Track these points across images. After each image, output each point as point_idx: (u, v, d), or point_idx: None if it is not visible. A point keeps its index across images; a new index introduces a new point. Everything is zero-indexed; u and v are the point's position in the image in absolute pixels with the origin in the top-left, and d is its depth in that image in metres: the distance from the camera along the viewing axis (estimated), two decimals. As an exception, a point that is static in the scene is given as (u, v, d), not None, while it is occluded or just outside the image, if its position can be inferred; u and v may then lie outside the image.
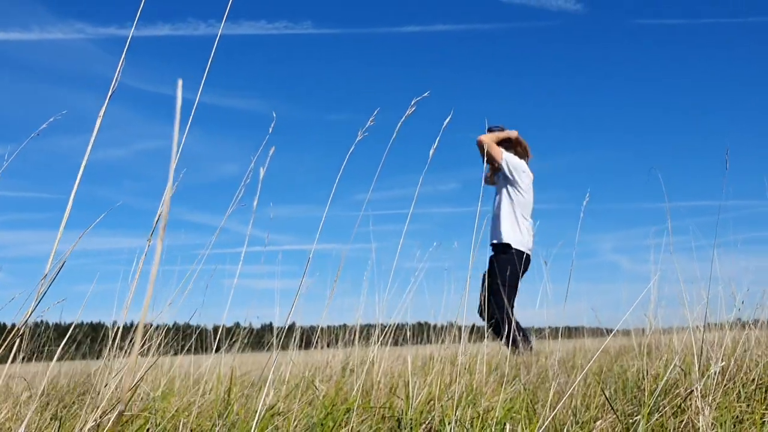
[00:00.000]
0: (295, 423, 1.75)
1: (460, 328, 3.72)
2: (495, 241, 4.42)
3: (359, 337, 3.43)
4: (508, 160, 4.44)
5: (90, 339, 4.29)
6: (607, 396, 2.15)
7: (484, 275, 4.33)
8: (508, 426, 1.72)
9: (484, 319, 4.19)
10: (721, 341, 2.40)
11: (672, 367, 1.87)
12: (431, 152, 1.04)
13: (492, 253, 4.41)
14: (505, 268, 4.05)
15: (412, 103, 1.09)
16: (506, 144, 4.65)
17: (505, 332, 3.51)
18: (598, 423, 1.93)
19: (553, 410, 1.89)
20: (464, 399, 1.88)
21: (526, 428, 1.81)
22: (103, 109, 0.92)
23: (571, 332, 5.59)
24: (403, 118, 1.09)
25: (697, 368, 1.76)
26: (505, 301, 3.89)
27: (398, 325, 4.24)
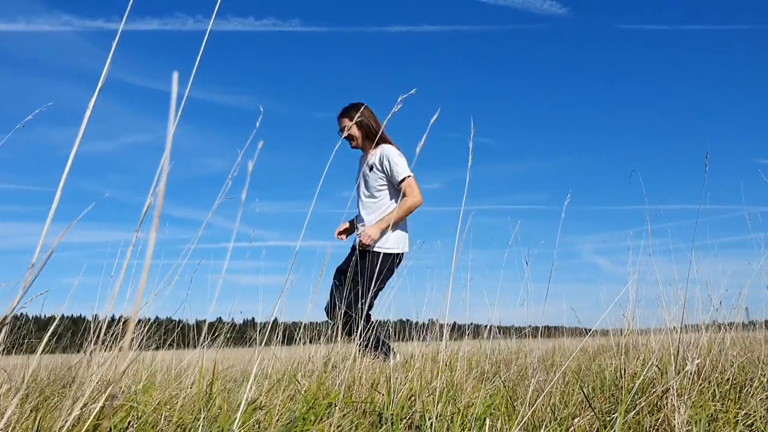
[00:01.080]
0: (277, 417, 1.76)
1: (441, 326, 3.75)
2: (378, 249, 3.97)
3: (342, 334, 3.44)
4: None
5: (71, 332, 4.27)
6: (586, 394, 2.18)
7: (346, 271, 3.87)
8: (487, 422, 1.74)
9: (332, 318, 3.87)
10: (698, 342, 2.46)
11: (649, 366, 1.91)
12: (418, 149, 1.05)
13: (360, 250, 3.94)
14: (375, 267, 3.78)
15: (399, 100, 1.11)
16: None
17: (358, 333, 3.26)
18: (576, 420, 1.97)
19: (532, 407, 1.92)
20: (445, 395, 1.90)
21: (505, 424, 1.84)
22: (92, 102, 0.92)
23: (550, 332, 5.65)
24: (389, 114, 1.10)
25: (673, 367, 1.80)
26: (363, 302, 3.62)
27: (380, 321, 4.27)
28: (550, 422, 1.90)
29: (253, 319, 4.55)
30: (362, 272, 3.82)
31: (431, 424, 1.81)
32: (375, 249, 3.85)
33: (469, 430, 1.80)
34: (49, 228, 1.12)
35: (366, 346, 3.48)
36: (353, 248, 4.03)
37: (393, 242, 3.90)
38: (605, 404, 2.13)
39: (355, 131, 3.96)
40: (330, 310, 3.96)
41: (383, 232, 3.79)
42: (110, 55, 0.92)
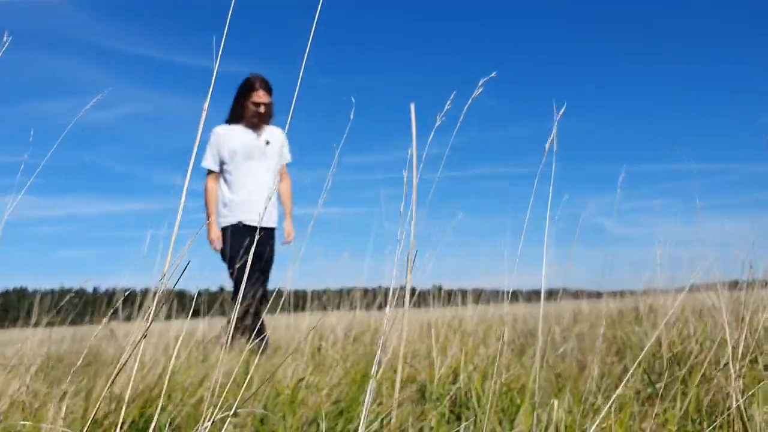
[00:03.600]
0: (326, 394, 1.72)
1: (465, 293, 3.73)
2: (272, 225, 3.98)
3: (362, 302, 3.41)
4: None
5: (75, 306, 4.19)
6: (626, 366, 2.16)
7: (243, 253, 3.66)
8: (536, 398, 1.71)
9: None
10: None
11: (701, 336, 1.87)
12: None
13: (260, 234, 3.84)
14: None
15: (480, 84, 1.03)
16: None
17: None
18: (618, 391, 1.94)
19: (578, 382, 1.89)
20: (490, 371, 1.86)
21: (550, 399, 1.81)
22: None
23: (563, 294, 5.64)
24: (470, 99, 1.02)
25: (727, 332, 1.76)
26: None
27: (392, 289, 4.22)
28: (596, 396, 1.88)
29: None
30: (270, 254, 3.89)
31: (486, 400, 1.77)
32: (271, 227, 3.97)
33: (516, 406, 1.76)
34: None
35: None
36: (247, 228, 3.82)
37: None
38: (645, 376, 2.11)
39: (269, 108, 3.91)
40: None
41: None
42: (218, 59, 0.83)
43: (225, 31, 0.82)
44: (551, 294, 4.17)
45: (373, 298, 3.65)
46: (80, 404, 1.97)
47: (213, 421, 0.81)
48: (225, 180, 3.87)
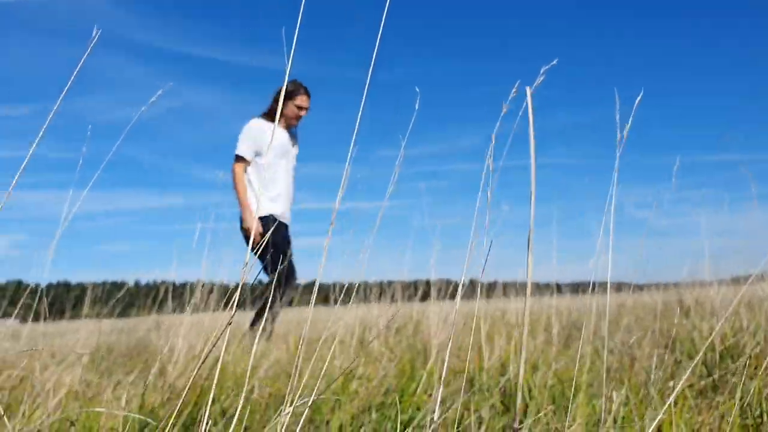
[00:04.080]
0: (375, 384, 1.73)
1: (507, 285, 3.71)
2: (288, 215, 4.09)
3: (403, 294, 3.41)
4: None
5: (122, 298, 4.27)
6: (676, 359, 2.13)
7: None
8: (587, 390, 1.70)
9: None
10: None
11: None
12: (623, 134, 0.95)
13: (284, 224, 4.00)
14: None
15: (542, 72, 1.01)
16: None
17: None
18: (671, 383, 1.92)
19: (629, 375, 1.87)
20: (540, 363, 1.85)
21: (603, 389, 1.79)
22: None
23: (601, 287, 5.55)
24: (533, 88, 1.01)
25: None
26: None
27: (425, 281, 4.22)
28: (649, 387, 1.85)
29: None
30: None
31: (537, 393, 1.76)
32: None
33: (567, 398, 1.75)
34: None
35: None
36: (278, 222, 3.95)
37: None
38: (697, 369, 2.07)
39: (306, 113, 4.11)
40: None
41: None
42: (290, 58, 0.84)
43: (296, 31, 0.82)
44: (595, 287, 4.10)
45: (414, 290, 3.65)
46: (134, 393, 2.02)
47: (293, 407, 0.82)
48: (257, 173, 3.97)
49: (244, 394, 0.89)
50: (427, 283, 4.02)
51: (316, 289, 0.89)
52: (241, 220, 3.89)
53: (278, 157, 4.00)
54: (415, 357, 2.17)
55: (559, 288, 4.08)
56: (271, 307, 3.34)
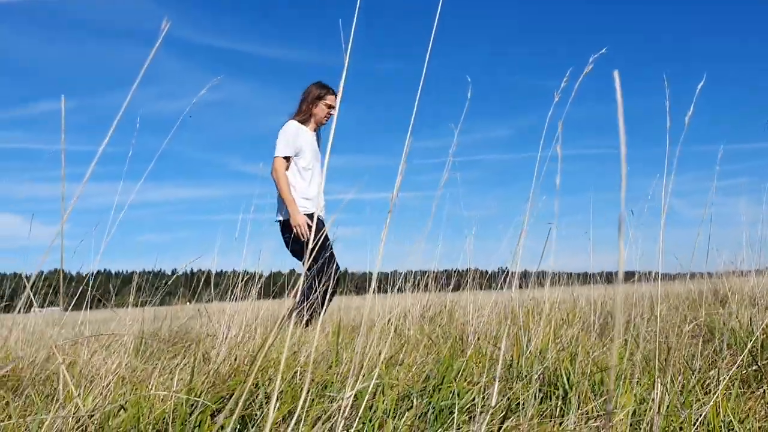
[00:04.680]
0: (415, 371, 1.76)
1: (540, 275, 3.70)
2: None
3: (437, 283, 3.44)
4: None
5: (153, 287, 4.35)
6: (716, 349, 2.12)
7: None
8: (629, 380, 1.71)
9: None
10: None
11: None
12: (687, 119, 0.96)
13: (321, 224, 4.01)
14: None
15: (590, 60, 1.02)
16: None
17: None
18: (711, 373, 1.91)
19: (668, 365, 1.87)
20: (581, 352, 1.86)
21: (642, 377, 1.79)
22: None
23: (632, 277, 5.51)
24: (582, 75, 1.02)
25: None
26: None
27: (457, 271, 4.23)
28: (685, 373, 1.85)
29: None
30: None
31: (569, 380, 1.78)
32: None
33: (605, 388, 1.76)
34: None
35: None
36: (318, 220, 4.01)
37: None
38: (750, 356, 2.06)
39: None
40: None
41: None
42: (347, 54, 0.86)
43: (353, 25, 0.84)
44: (628, 276, 4.09)
45: (447, 280, 3.68)
46: (179, 378, 2.08)
47: (355, 390, 0.85)
48: (296, 174, 4.10)
49: (279, 378, 0.92)
50: (459, 273, 4.04)
51: (375, 276, 0.92)
52: (281, 216, 4.00)
53: (314, 158, 4.17)
54: (453, 345, 2.20)
55: (589, 277, 4.07)
56: (311, 299, 3.41)
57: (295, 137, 4.06)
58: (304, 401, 1.68)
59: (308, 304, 3.34)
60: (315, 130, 4.26)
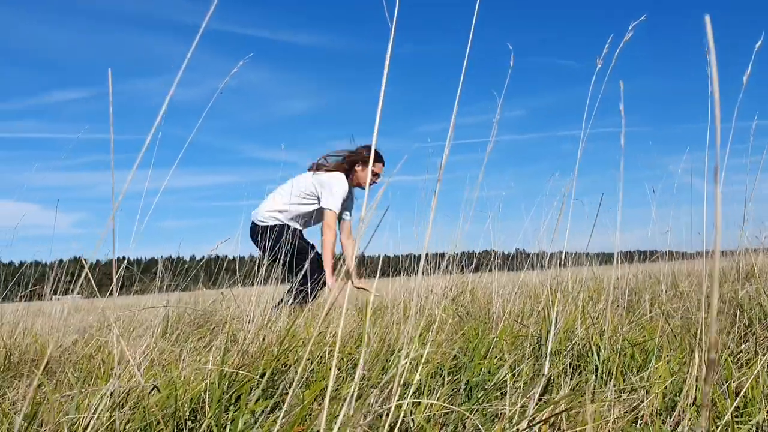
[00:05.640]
0: (444, 348, 1.77)
1: (561, 254, 3.69)
2: None
3: (454, 265, 3.43)
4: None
5: (176, 272, 4.38)
6: (745, 323, 2.11)
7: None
8: (663, 353, 1.70)
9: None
10: None
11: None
12: (745, 78, 0.94)
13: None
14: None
15: (630, 27, 1.01)
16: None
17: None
18: (743, 346, 1.91)
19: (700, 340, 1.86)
20: (609, 328, 1.85)
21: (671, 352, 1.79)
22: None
23: (647, 256, 5.49)
24: (622, 43, 1.00)
25: None
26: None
27: (475, 253, 4.22)
28: (713, 351, 1.84)
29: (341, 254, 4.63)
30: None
31: (599, 355, 1.78)
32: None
33: (637, 362, 1.76)
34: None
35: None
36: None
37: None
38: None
39: None
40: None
41: None
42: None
43: (395, 14, 0.83)
44: (648, 255, 4.07)
45: (467, 261, 3.68)
46: (206, 360, 2.10)
47: (406, 363, 0.85)
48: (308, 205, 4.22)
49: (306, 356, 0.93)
50: (479, 255, 4.04)
51: (424, 258, 0.91)
52: (277, 221, 4.06)
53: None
54: (479, 323, 2.20)
55: (614, 257, 4.04)
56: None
57: (344, 195, 4.15)
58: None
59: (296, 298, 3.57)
60: (352, 187, 4.36)
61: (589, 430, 1.00)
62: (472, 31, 0.93)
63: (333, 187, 4.08)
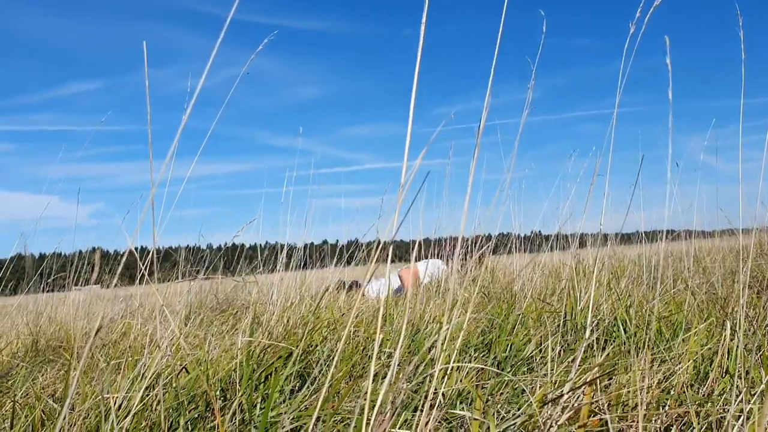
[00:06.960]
0: (470, 325, 1.77)
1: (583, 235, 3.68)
2: None
3: (471, 247, 3.43)
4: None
5: (196, 261, 4.42)
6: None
7: None
8: (693, 324, 1.69)
9: None
10: None
11: None
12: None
13: None
14: None
15: (651, 9, 0.99)
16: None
17: None
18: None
19: (729, 312, 1.85)
20: (636, 303, 1.85)
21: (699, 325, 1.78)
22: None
23: (667, 235, 5.43)
24: (652, 8, 0.99)
25: None
26: None
27: (490, 235, 4.21)
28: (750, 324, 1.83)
29: (357, 240, 4.65)
30: None
31: (625, 329, 1.77)
32: None
33: (664, 336, 1.75)
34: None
35: None
36: None
37: None
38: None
39: None
40: None
41: None
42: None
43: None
44: (668, 234, 4.03)
45: (484, 242, 3.66)
46: (231, 342, 2.12)
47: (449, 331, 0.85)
48: None
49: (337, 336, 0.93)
50: (496, 237, 4.02)
51: (459, 241, 0.91)
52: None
53: None
54: (502, 302, 2.20)
55: (635, 236, 4.02)
56: None
57: None
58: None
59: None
60: None
61: (631, 392, 1.00)
62: (504, 11, 0.92)
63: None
